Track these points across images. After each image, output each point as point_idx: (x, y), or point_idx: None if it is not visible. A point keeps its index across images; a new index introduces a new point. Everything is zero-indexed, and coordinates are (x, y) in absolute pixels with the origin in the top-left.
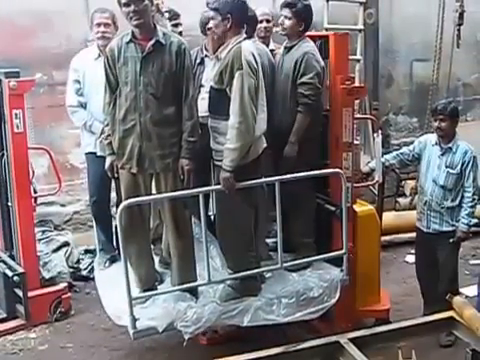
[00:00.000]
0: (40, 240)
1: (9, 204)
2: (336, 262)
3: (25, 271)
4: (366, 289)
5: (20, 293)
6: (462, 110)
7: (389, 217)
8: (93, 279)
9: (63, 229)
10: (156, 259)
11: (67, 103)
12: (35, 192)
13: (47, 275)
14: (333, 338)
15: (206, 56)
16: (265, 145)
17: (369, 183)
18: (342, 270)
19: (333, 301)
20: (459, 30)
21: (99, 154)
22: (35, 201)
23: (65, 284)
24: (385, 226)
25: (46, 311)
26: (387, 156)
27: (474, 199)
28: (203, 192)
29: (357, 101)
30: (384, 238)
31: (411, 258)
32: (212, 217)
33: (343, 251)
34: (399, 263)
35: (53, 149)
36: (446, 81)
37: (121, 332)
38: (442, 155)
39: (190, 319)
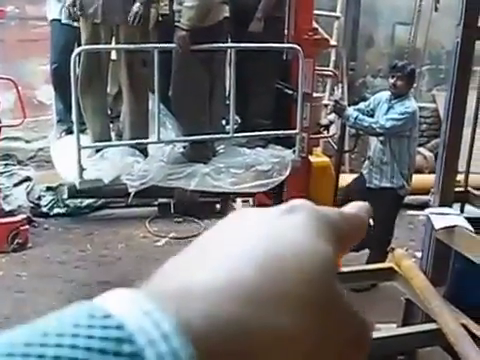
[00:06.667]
0: (2, 173)
1: None
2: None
3: None
4: None
5: None
6: (444, 79)
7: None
8: (53, 216)
9: (26, 165)
10: (113, 135)
11: None
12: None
13: (7, 208)
14: None
15: None
16: (226, 14)
17: (326, 135)
18: (294, 151)
19: (281, 178)
20: None
21: (64, 21)
22: None
23: (23, 216)
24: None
25: (4, 241)
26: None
27: (373, 127)
28: (158, 48)
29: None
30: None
31: None
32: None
33: (296, 131)
34: None
35: (21, 84)
36: (430, 46)
37: (75, 266)
38: (387, 111)
39: (136, 174)
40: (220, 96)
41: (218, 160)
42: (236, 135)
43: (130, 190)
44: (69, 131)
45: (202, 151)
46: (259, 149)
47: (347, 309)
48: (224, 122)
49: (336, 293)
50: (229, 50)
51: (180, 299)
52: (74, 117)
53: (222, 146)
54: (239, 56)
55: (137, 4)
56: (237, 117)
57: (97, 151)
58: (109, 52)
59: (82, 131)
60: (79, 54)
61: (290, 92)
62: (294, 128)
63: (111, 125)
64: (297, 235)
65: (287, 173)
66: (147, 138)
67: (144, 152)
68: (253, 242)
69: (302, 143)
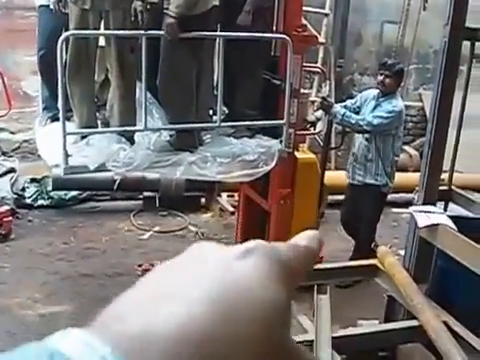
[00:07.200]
0: None
1: None
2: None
3: None
4: None
5: None
6: (431, 78)
7: (342, 176)
8: (37, 208)
9: (11, 156)
10: (98, 123)
11: None
12: None
13: None
14: None
15: None
16: (216, 3)
17: (313, 132)
18: (281, 141)
19: (268, 168)
20: None
21: (52, 7)
22: None
23: (7, 207)
24: (336, 184)
25: None
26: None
27: (360, 124)
28: (146, 35)
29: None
30: (333, 197)
31: None
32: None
33: (283, 121)
34: None
35: (7, 75)
36: (418, 45)
37: (59, 258)
38: (374, 109)
39: (122, 160)
40: (207, 86)
41: (204, 149)
42: (223, 124)
43: (115, 177)
44: (54, 118)
45: (188, 140)
46: (246, 139)
47: (294, 350)
48: (211, 112)
49: (284, 335)
50: (218, 40)
51: (136, 342)
52: (60, 103)
53: (208, 136)
54: (227, 46)
55: (139, 2)
56: (224, 108)
57: (82, 138)
58: (97, 38)
59: (68, 119)
60: (66, 40)
61: (278, 83)
62: (281, 119)
63: (97, 114)
64: (250, 280)
65: (274, 163)
66: (135, 125)
67: (130, 140)
68: (209, 286)
69: (289, 134)
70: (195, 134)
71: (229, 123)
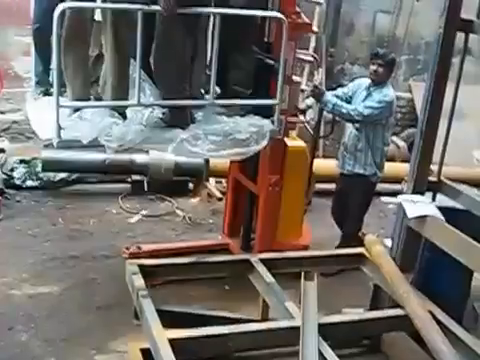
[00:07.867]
0: None
1: None
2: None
3: None
4: (289, 222)
5: None
6: (421, 69)
7: (330, 164)
8: (26, 189)
9: (0, 137)
10: (91, 99)
11: None
12: None
13: None
14: (244, 256)
15: None
16: None
17: (302, 119)
18: (273, 121)
19: (259, 147)
20: None
21: None
22: None
23: None
24: (327, 174)
25: None
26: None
27: (351, 114)
28: (142, 10)
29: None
30: (321, 186)
31: None
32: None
33: (276, 101)
34: None
35: None
36: (410, 37)
37: (46, 239)
38: (365, 98)
39: (114, 135)
40: (201, 65)
41: (196, 126)
42: (216, 102)
43: (108, 151)
44: (46, 93)
45: (181, 116)
46: (237, 118)
47: None
48: (203, 91)
49: None
50: (212, 19)
51: None
52: (55, 75)
53: (201, 114)
54: (222, 25)
55: None
56: (217, 88)
57: (75, 111)
58: (93, 12)
59: (60, 94)
60: (62, 13)
61: (271, 62)
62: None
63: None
64: None
65: (265, 143)
66: (128, 99)
67: (123, 115)
68: None
69: (280, 114)
70: (188, 111)
71: (222, 101)
